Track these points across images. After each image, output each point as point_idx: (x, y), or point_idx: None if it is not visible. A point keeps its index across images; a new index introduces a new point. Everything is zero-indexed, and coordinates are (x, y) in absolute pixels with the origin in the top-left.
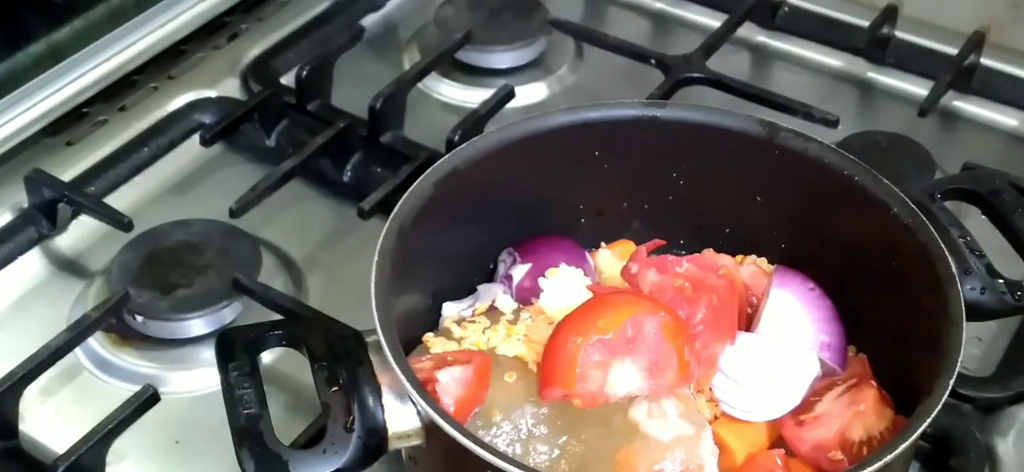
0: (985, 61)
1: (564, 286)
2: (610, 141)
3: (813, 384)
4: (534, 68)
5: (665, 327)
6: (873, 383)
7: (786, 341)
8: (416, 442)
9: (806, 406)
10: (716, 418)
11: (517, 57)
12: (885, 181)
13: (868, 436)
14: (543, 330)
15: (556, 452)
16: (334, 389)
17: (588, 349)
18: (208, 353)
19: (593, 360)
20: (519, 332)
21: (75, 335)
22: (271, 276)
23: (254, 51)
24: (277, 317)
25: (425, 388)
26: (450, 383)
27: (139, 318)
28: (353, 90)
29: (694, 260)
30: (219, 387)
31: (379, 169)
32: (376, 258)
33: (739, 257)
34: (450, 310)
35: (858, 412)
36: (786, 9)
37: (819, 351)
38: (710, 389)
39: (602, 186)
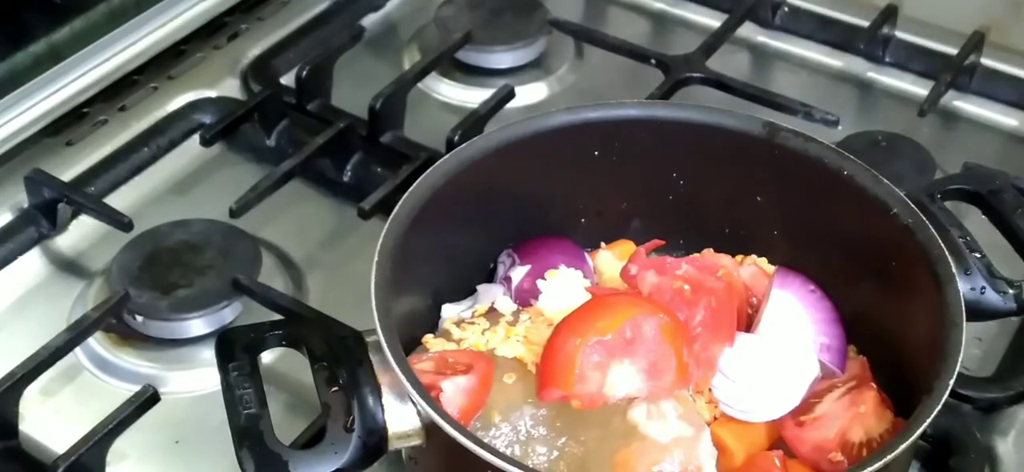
0: (985, 61)
1: (563, 288)
2: (610, 141)
3: (812, 385)
4: (534, 68)
5: (664, 329)
6: (873, 385)
7: (786, 342)
8: (416, 442)
9: (806, 407)
10: (715, 419)
11: (517, 57)
12: (885, 181)
13: (868, 438)
14: (542, 332)
15: (555, 453)
16: (334, 389)
17: (587, 350)
18: (208, 353)
19: (592, 361)
20: (518, 334)
21: (75, 335)
22: (271, 276)
23: (254, 51)
24: (277, 317)
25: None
26: (455, 394)
27: (139, 318)
28: (353, 90)
29: (693, 261)
30: (219, 387)
31: (379, 169)
32: (376, 258)
33: (739, 257)
34: (450, 312)
35: (858, 414)
36: (786, 9)
37: (819, 353)
38: (709, 390)
39: (602, 186)
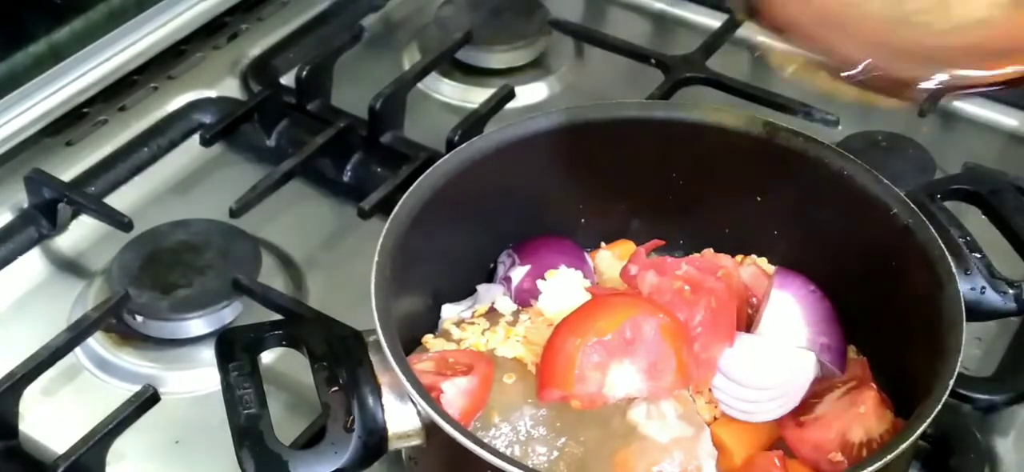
0: None
1: (563, 288)
2: (610, 141)
3: (812, 385)
4: (534, 68)
5: (664, 329)
6: (873, 385)
7: (785, 342)
8: (416, 442)
9: (806, 407)
10: (715, 419)
11: (517, 57)
12: (885, 181)
13: (868, 438)
14: (542, 332)
15: (554, 453)
16: (334, 389)
17: (587, 350)
18: (208, 353)
19: (591, 361)
20: (518, 334)
21: (75, 335)
22: (271, 276)
23: (254, 51)
24: (277, 317)
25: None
26: (456, 396)
27: (139, 318)
28: (353, 90)
29: (693, 261)
30: (219, 387)
31: (379, 169)
32: (376, 258)
33: (739, 257)
34: (450, 312)
35: (858, 414)
36: None
37: (818, 353)
38: (709, 390)
39: (602, 186)
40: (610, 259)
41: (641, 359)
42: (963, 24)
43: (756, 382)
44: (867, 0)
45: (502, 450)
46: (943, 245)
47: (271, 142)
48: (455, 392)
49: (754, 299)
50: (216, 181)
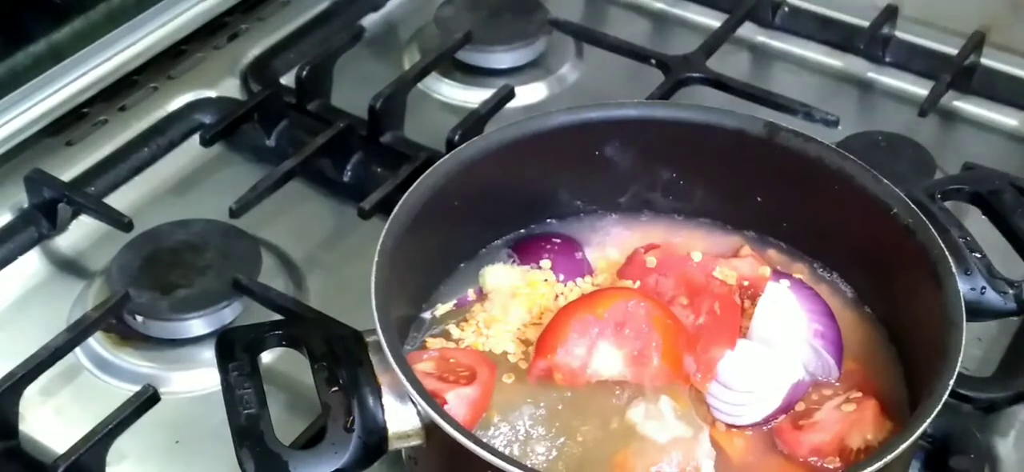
0: (985, 61)
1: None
2: (610, 141)
3: (802, 387)
4: (534, 68)
5: (655, 320)
6: (873, 393)
7: (770, 346)
8: (416, 442)
9: (805, 413)
10: (714, 421)
11: (517, 57)
12: (885, 181)
13: (867, 445)
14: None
15: (553, 453)
16: (334, 389)
17: (574, 323)
18: (208, 353)
19: (578, 335)
20: (508, 323)
21: (75, 335)
22: (271, 276)
23: (254, 51)
24: (277, 317)
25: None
26: (459, 405)
27: (139, 318)
28: (353, 90)
29: (692, 261)
30: (219, 387)
31: (379, 169)
32: (376, 258)
33: (737, 250)
34: (445, 308)
35: (857, 420)
36: (786, 9)
37: (813, 338)
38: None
39: (602, 186)
40: (610, 259)
41: (628, 344)
42: None
43: (740, 385)
44: None
45: (501, 450)
46: (943, 245)
47: (271, 142)
48: (458, 401)
49: (751, 293)
50: (216, 181)
